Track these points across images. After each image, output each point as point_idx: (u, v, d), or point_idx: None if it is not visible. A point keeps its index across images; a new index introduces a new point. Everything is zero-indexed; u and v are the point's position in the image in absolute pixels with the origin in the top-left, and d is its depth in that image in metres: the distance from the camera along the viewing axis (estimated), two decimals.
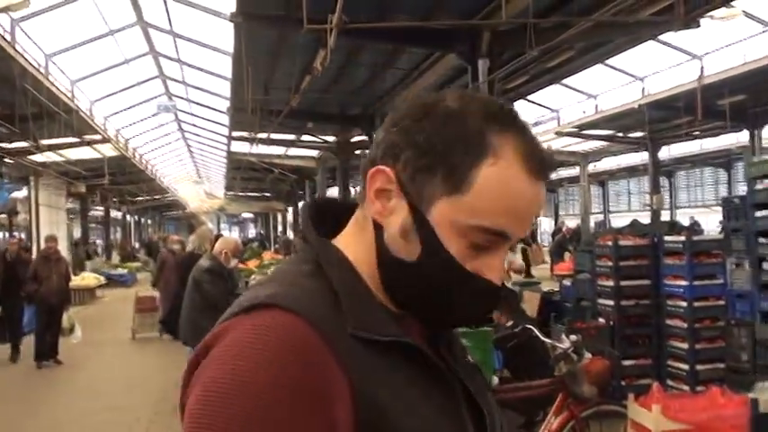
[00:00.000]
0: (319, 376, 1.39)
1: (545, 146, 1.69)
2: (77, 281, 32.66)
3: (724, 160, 47.00)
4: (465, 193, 1.54)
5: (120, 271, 46.34)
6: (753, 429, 7.05)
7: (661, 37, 22.06)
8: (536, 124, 36.73)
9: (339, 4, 13.31)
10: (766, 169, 10.09)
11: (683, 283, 11.13)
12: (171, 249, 26.98)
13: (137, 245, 72.43)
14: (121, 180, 49.05)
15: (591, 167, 46.53)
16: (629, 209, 60.02)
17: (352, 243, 1.68)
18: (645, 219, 27.77)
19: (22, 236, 35.86)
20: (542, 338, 8.39)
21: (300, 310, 1.44)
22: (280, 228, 70.63)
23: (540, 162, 1.60)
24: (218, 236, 15.64)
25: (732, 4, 17.31)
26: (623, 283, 11.76)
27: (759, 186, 10.19)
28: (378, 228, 1.64)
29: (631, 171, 53.75)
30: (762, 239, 9.88)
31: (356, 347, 1.46)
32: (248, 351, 1.39)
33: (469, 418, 1.66)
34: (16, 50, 21.25)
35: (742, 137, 35.02)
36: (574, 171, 50.67)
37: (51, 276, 18.25)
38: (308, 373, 1.38)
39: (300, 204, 55.93)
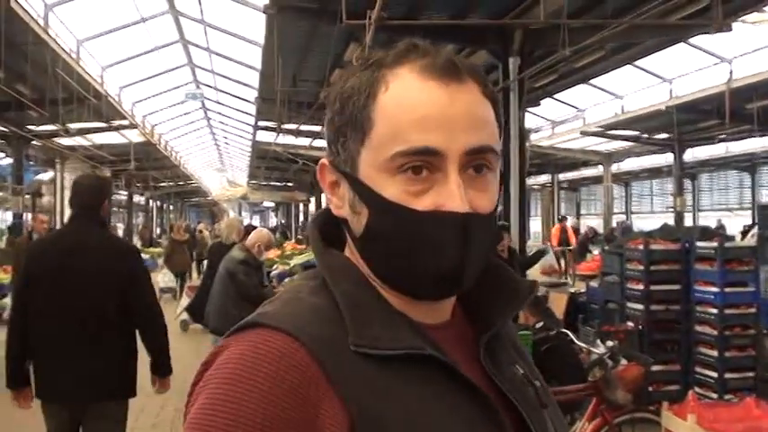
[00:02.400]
0: (304, 401, 1.34)
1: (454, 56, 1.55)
2: None
3: (749, 164, 46.81)
4: (371, 131, 1.48)
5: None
6: None
7: (690, 40, 22.00)
8: (561, 123, 36.74)
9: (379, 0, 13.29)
10: None
11: (714, 289, 11.06)
12: (177, 239, 27.17)
13: (158, 230, 72.58)
14: (146, 166, 49.36)
15: (614, 168, 46.36)
16: (651, 210, 59.84)
17: (354, 251, 1.62)
18: (668, 220, 27.70)
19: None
20: (577, 343, 8.39)
21: (291, 329, 1.40)
22: (302, 217, 70.57)
23: (442, 66, 1.49)
24: (249, 227, 15.55)
25: (764, 9, 17.26)
26: (653, 287, 11.68)
27: None
28: (345, 222, 1.60)
29: (655, 172, 53.55)
30: None
31: (359, 365, 1.40)
32: (240, 372, 1.36)
33: None
34: (49, 35, 21.36)
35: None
36: (597, 170, 50.59)
37: None
38: (293, 398, 1.34)
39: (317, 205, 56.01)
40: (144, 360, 6.77)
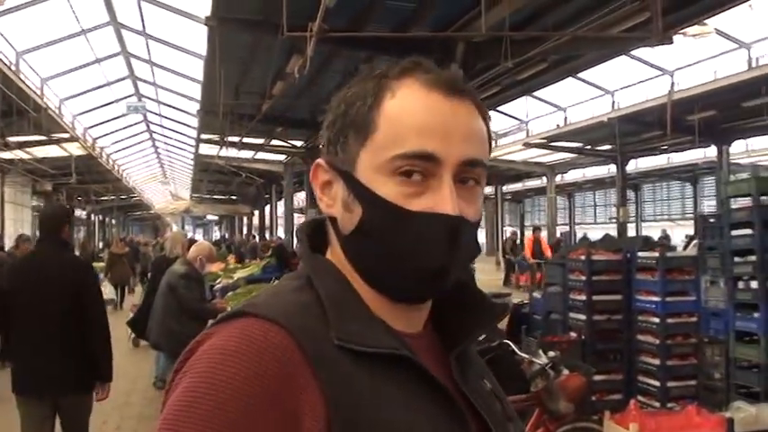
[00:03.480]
0: (289, 387, 1.36)
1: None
2: None
3: (690, 174, 47.35)
4: (374, 133, 1.53)
5: None
6: None
7: (632, 52, 22.20)
8: (505, 135, 36.92)
9: (320, 12, 13.29)
10: (742, 189, 10.14)
11: (656, 298, 11.08)
12: (115, 252, 27.45)
13: (100, 245, 72.13)
14: (87, 179, 48.97)
15: (558, 179, 46.67)
16: (594, 221, 60.46)
17: (337, 254, 1.65)
18: (611, 231, 27.90)
19: None
20: (519, 354, 8.38)
21: (278, 318, 1.42)
22: (245, 230, 70.47)
23: (446, 81, 1.56)
24: (192, 240, 15.54)
25: (705, 21, 17.42)
26: (595, 297, 11.70)
27: (735, 206, 10.24)
28: (333, 221, 1.64)
29: (598, 183, 54.07)
30: (737, 258, 9.93)
31: (340, 359, 1.42)
32: (225, 358, 1.37)
33: None
34: None
35: (709, 152, 35.28)
36: (540, 182, 50.91)
37: None
38: (279, 384, 1.35)
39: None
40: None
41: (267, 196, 54.06)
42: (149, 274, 17.00)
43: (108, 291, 27.18)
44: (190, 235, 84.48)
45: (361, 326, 1.50)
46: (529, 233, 42.94)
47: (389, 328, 1.56)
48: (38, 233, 8.75)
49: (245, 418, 1.31)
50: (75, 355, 7.42)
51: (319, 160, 1.65)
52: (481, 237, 63.97)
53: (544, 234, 39.26)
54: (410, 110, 1.52)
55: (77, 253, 49.77)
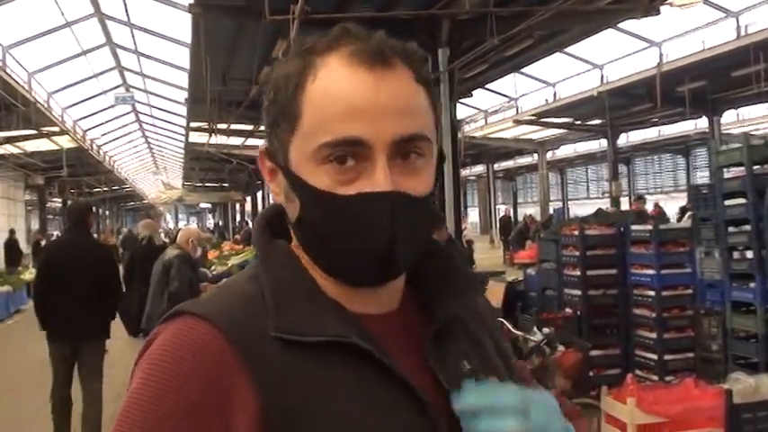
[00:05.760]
0: (218, 387, 1.36)
1: (389, 40, 1.53)
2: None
3: (682, 147, 47.40)
4: (299, 121, 1.47)
5: None
6: (728, 421, 7.03)
7: (620, 24, 22.14)
8: (494, 112, 36.91)
9: None
10: (734, 158, 10.09)
11: (651, 272, 11.09)
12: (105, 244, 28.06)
13: (95, 236, 72.16)
14: (79, 172, 49.04)
15: (549, 155, 46.69)
16: (587, 196, 60.49)
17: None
18: (604, 206, 27.91)
19: None
20: (514, 332, 8.34)
21: (211, 317, 1.42)
22: (238, 217, 70.56)
23: (371, 52, 1.47)
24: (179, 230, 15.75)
25: None
26: (590, 272, 11.69)
27: (727, 175, 10.19)
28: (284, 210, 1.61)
29: (589, 158, 54.15)
30: (731, 228, 9.88)
31: (278, 351, 1.41)
32: (159, 364, 1.39)
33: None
34: None
35: (701, 123, 35.27)
36: (532, 159, 50.92)
37: None
38: (207, 387, 1.36)
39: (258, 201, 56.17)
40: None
41: (259, 182, 54.06)
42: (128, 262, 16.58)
43: None
44: (183, 223, 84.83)
45: (307, 313, 1.47)
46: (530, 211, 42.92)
47: (344, 312, 1.51)
48: (65, 223, 10.69)
49: (179, 415, 1.35)
50: (95, 312, 9.96)
51: (262, 147, 1.62)
52: (474, 216, 64.00)
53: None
54: (332, 93, 1.45)
55: None
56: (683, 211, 29.08)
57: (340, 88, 1.45)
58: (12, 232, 37.02)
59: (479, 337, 1.73)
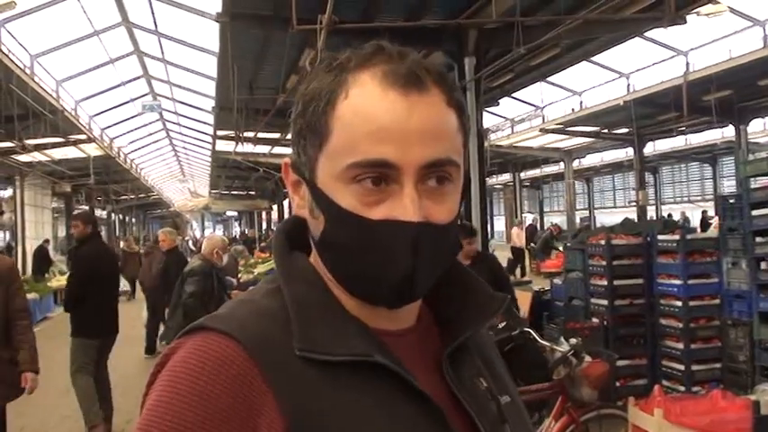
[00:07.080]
0: (244, 407, 1.35)
1: (426, 61, 1.52)
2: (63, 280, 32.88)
3: (709, 155, 47.22)
4: (329, 138, 1.46)
5: None
6: None
7: (646, 33, 22.11)
8: (521, 121, 36.87)
9: (329, 4, 13.27)
10: (761, 168, 10.05)
11: (678, 282, 11.05)
12: (127, 251, 28.92)
13: (121, 243, 72.27)
14: (106, 179, 49.23)
15: (575, 164, 46.56)
16: (614, 205, 60.31)
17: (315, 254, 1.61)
18: (630, 215, 27.81)
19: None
20: (541, 342, 8.32)
21: (234, 333, 1.40)
22: (264, 225, 70.59)
23: (405, 74, 1.45)
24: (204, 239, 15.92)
25: (718, 0, 17.33)
26: (616, 282, 11.66)
27: (755, 185, 10.15)
28: (306, 223, 1.60)
29: (616, 167, 53.94)
30: (759, 239, 9.83)
31: (302, 369, 1.40)
32: (179, 381, 1.37)
33: None
34: (2, 51, 21.20)
35: (727, 132, 35.17)
36: (558, 168, 50.77)
37: None
38: (233, 405, 1.34)
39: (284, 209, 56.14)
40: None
41: (285, 191, 53.99)
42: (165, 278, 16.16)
43: (122, 284, 27.81)
44: (209, 231, 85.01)
45: (331, 330, 1.47)
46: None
47: (366, 330, 1.52)
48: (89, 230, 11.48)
49: None
50: (116, 310, 11.56)
51: (287, 159, 1.61)
52: (500, 225, 63.86)
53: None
54: (364, 113, 1.44)
55: None
56: (704, 216, 28.99)
57: (372, 109, 1.43)
58: (46, 242, 37.23)
59: (490, 355, 1.77)
